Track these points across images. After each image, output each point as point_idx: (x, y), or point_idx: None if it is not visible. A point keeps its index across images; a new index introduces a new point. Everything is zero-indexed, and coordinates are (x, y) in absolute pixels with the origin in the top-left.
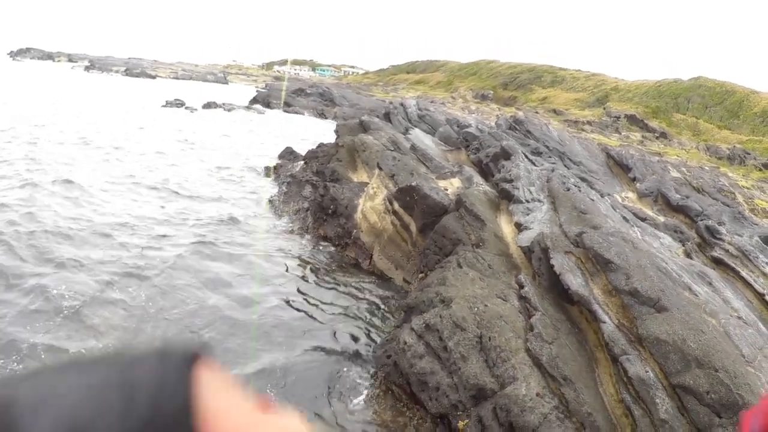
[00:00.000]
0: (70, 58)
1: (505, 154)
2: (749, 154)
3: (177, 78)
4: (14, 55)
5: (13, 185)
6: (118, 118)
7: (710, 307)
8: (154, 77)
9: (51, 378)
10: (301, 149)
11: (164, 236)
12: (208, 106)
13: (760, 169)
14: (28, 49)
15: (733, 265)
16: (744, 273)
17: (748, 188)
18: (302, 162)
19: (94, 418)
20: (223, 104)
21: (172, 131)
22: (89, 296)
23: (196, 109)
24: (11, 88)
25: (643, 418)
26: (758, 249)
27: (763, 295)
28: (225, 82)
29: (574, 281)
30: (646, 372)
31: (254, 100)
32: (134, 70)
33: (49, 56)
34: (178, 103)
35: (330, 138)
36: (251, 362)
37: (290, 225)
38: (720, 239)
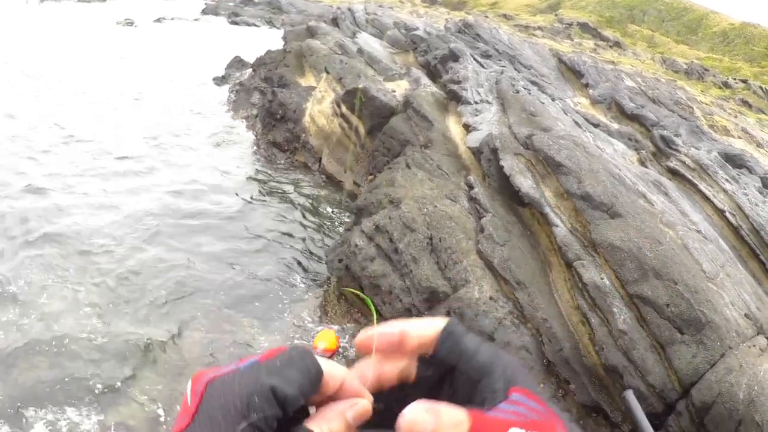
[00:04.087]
0: None
1: (454, 56)
2: (708, 70)
3: None
4: None
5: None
6: (73, 44)
7: (667, 217)
8: (104, 0)
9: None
10: (250, 57)
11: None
12: (158, 21)
13: (720, 87)
14: None
15: (691, 177)
16: (702, 186)
17: (707, 104)
18: (250, 69)
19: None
20: (173, 18)
21: (122, 48)
22: None
23: (143, 25)
24: None
25: (600, 327)
26: (717, 164)
27: (723, 211)
28: None
29: (525, 183)
30: (602, 279)
31: (204, 12)
32: None
33: None
34: (129, 22)
35: (278, 45)
36: (200, 271)
37: (239, 132)
38: (676, 150)
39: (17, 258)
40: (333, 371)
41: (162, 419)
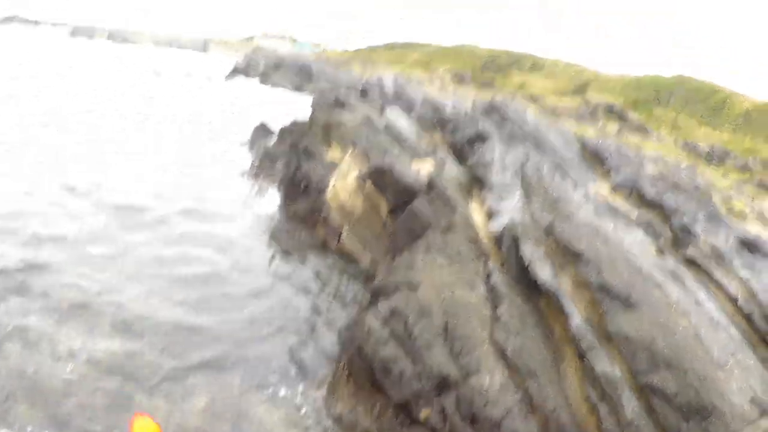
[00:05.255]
0: (54, 24)
1: (481, 138)
2: (729, 154)
3: (158, 44)
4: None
5: None
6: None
7: (682, 307)
8: (136, 43)
9: None
10: (276, 124)
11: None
12: (188, 75)
13: (739, 170)
14: (12, 17)
15: (706, 267)
16: (717, 275)
17: (725, 189)
18: (276, 137)
19: None
20: (202, 75)
21: (151, 102)
22: None
23: (172, 79)
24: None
25: (608, 417)
26: (734, 251)
27: (736, 299)
28: (204, 50)
29: (543, 272)
30: (613, 369)
31: (234, 71)
32: (117, 37)
33: (35, 22)
34: (157, 73)
35: (305, 113)
36: (209, 339)
37: (261, 201)
38: (695, 238)
39: None
40: None
41: None
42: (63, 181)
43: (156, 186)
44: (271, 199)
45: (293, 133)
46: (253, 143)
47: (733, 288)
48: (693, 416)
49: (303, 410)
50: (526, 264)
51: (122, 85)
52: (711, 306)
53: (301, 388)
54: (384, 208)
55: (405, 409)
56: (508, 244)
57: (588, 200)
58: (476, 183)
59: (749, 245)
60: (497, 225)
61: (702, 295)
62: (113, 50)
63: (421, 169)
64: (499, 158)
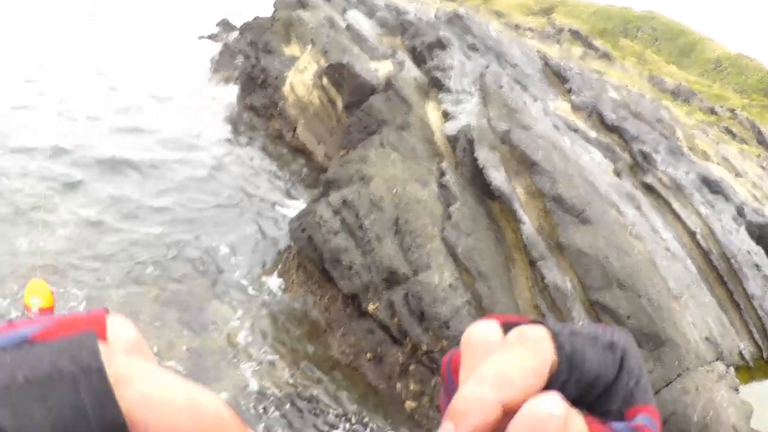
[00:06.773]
0: None
1: (441, 45)
2: (696, 94)
3: None
4: None
5: None
6: None
7: (637, 230)
8: None
9: None
10: (238, 21)
11: None
12: None
13: (705, 113)
14: None
15: (665, 195)
16: (676, 206)
17: (689, 127)
18: (237, 32)
19: None
20: None
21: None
22: None
23: None
24: None
25: None
26: (694, 187)
27: (694, 233)
28: None
29: (497, 177)
30: (564, 282)
31: None
32: None
33: None
34: None
35: (267, 13)
36: (160, 225)
37: (218, 92)
38: (654, 166)
39: None
40: None
41: None
42: None
43: (119, 75)
44: (230, 92)
45: (254, 29)
46: (215, 38)
47: (692, 222)
48: (645, 342)
49: (252, 298)
50: (481, 167)
51: None
52: (668, 235)
53: (251, 275)
54: (340, 104)
55: (354, 302)
56: (463, 146)
57: (547, 115)
58: (434, 86)
59: (710, 184)
60: (453, 127)
61: (659, 222)
62: None
63: (380, 68)
64: (459, 65)
